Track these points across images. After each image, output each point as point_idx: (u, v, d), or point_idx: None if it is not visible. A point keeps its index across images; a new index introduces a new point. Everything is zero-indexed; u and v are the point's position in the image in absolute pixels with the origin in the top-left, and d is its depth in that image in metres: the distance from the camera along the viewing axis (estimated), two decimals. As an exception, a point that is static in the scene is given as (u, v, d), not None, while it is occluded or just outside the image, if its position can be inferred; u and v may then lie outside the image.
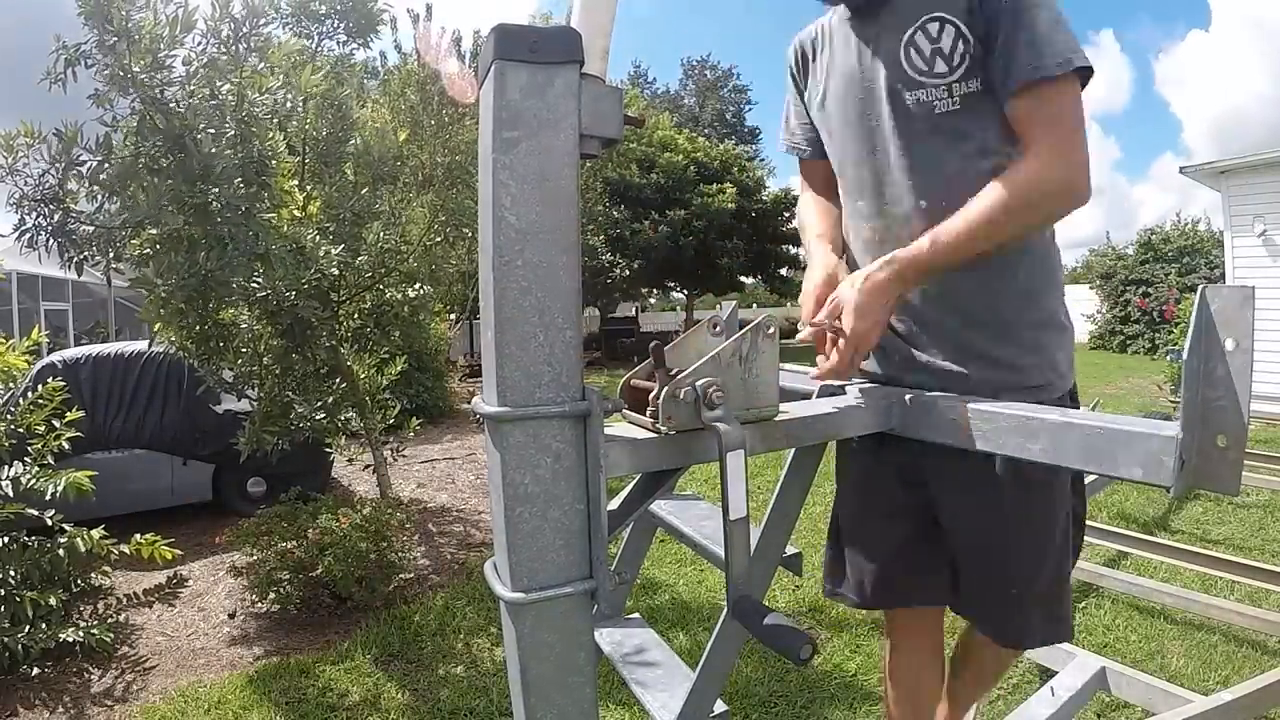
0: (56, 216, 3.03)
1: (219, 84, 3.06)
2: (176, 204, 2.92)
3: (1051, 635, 1.27)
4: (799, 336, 1.15)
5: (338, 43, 3.70)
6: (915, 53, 1.07)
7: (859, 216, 1.26)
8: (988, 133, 1.08)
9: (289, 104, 3.31)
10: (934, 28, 1.06)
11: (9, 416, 3.15)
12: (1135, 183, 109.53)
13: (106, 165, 2.98)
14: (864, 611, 3.26)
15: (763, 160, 23.86)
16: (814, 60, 1.33)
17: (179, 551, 3.34)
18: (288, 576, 3.35)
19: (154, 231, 3.06)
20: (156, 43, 2.90)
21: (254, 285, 3.30)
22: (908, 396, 1.03)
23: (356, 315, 4.36)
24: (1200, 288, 0.70)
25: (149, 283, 3.18)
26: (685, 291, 20.96)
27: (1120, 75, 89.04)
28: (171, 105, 2.95)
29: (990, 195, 1.00)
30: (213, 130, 2.99)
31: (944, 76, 1.07)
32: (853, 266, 1.27)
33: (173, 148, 2.94)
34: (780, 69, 1.43)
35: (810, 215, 1.39)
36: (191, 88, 3.03)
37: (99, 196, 3.09)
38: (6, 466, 3.00)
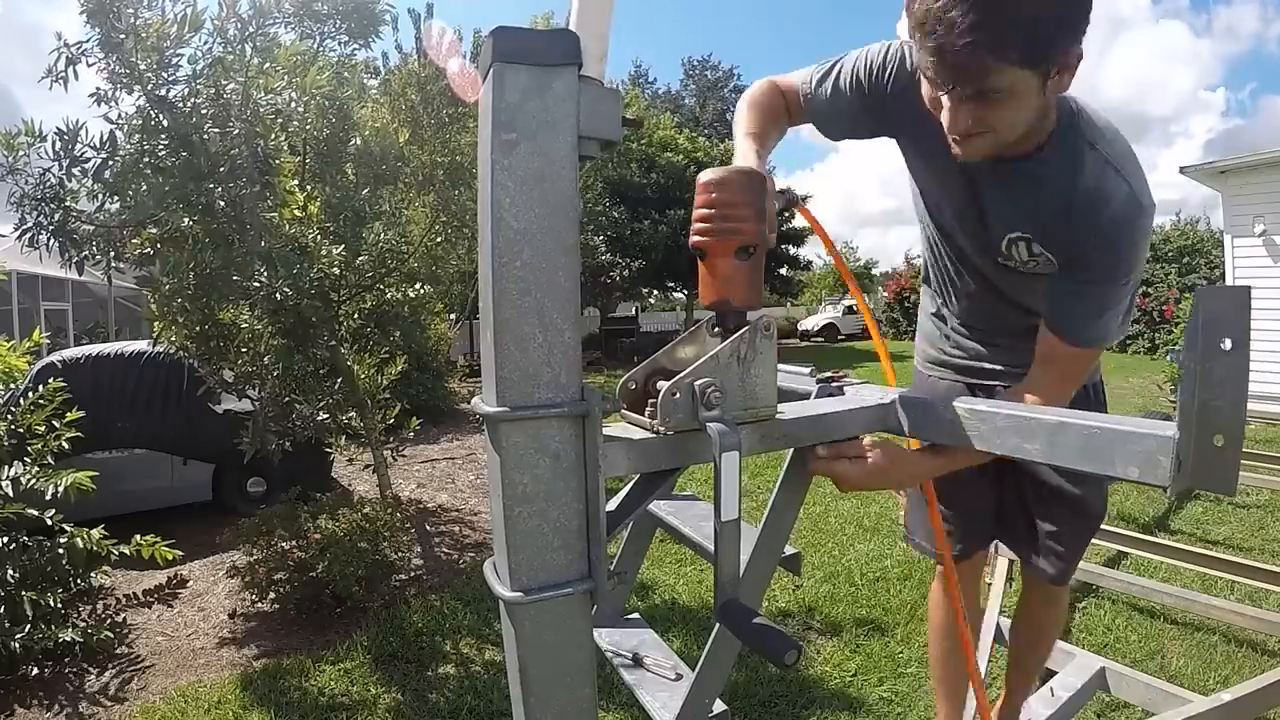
0: (57, 215, 3.04)
1: (224, 83, 3.07)
2: (181, 202, 2.93)
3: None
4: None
5: (339, 43, 3.70)
6: (1015, 251, 1.24)
7: (937, 303, 1.62)
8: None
9: (292, 104, 3.31)
10: (1031, 249, 1.21)
11: (9, 417, 3.15)
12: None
13: (111, 162, 2.98)
14: (861, 608, 3.27)
15: (763, 160, 23.77)
16: (906, 114, 1.17)
17: (179, 552, 3.35)
18: (287, 576, 3.35)
19: (154, 231, 3.07)
20: (163, 41, 2.90)
21: (256, 285, 3.31)
22: (906, 396, 1.03)
23: (357, 315, 4.36)
24: (1196, 289, 0.70)
25: (154, 281, 3.19)
26: (685, 291, 20.97)
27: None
28: (177, 104, 2.96)
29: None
30: (218, 130, 3.00)
31: (1032, 268, 1.26)
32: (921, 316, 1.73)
33: (179, 146, 2.95)
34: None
35: (755, 111, 1.26)
36: (198, 86, 3.04)
37: (99, 195, 3.10)
38: (6, 467, 3.00)
